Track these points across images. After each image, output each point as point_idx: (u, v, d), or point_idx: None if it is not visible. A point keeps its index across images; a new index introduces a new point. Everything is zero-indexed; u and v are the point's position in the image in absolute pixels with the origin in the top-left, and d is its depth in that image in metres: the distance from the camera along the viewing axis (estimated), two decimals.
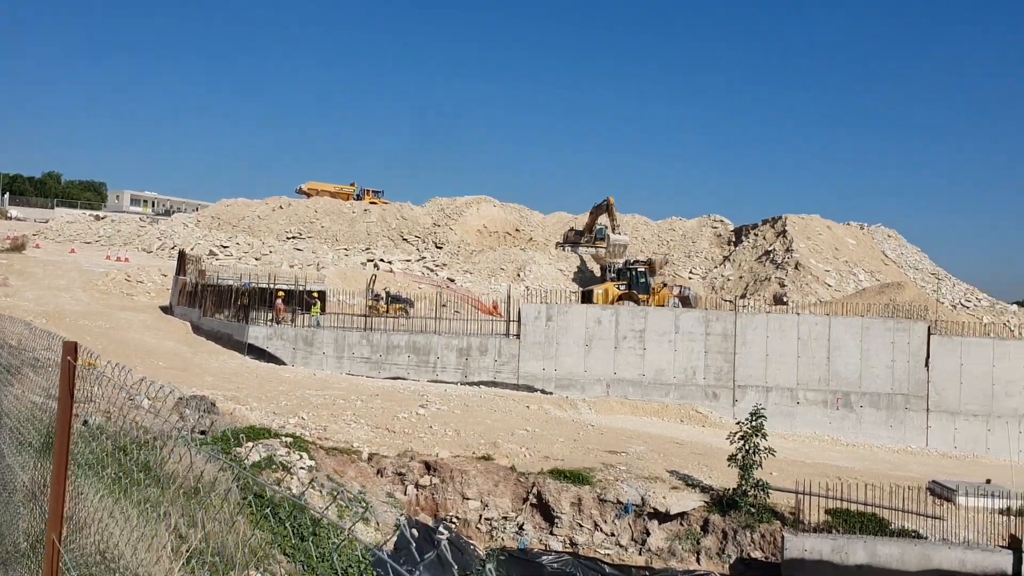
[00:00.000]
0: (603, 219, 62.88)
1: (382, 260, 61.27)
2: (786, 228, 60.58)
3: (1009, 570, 17.15)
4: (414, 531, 18.32)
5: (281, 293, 37.57)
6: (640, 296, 41.05)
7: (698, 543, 19.62)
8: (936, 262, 64.24)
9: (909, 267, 61.45)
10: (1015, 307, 56.32)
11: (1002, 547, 17.63)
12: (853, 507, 19.73)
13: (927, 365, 32.13)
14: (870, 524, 19.04)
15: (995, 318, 49.37)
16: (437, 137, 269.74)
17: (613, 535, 20.05)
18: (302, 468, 17.27)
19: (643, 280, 43.11)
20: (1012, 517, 20.07)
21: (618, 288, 42.49)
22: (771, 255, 58.79)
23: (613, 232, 60.93)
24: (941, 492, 22.17)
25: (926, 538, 18.40)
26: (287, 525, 10.45)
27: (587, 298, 41.05)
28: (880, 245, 64.13)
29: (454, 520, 20.67)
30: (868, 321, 33.03)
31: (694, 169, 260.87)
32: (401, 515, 18.88)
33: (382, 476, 20.97)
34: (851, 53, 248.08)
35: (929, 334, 32.39)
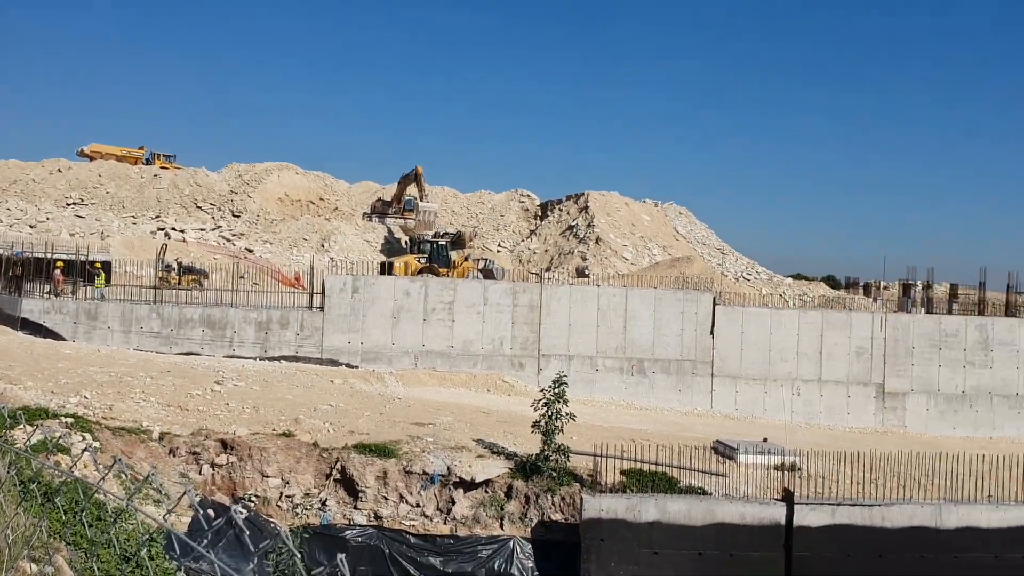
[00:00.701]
0: (412, 189, 62.55)
1: (174, 229, 57.88)
2: (588, 204, 62.93)
3: (782, 521, 18.84)
4: (210, 511, 17.56)
5: (60, 263, 34.65)
6: (441, 270, 41.23)
7: (502, 509, 20.14)
8: (721, 238, 69.05)
9: (698, 242, 65.70)
10: (790, 280, 61.72)
11: (776, 500, 19.32)
12: (646, 467, 20.94)
13: (712, 333, 34.55)
14: (661, 483, 20.29)
15: (772, 290, 53.86)
16: (234, 101, 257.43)
17: (419, 506, 20.19)
18: (85, 450, 16.07)
19: (444, 253, 43.37)
20: (785, 472, 22.04)
21: (419, 261, 42.47)
22: (574, 230, 60.92)
23: (422, 202, 60.86)
24: (724, 451, 23.98)
25: (711, 494, 19.83)
26: (67, 511, 9.70)
27: (386, 270, 40.65)
28: (672, 222, 68.09)
29: (253, 499, 20.03)
30: (661, 292, 35.04)
31: (502, 142, 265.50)
32: (196, 496, 18.04)
33: (175, 456, 19.95)
34: (635, 27, 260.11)
35: (715, 304, 34.81)
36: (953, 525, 19.17)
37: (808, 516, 18.74)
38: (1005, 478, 20.73)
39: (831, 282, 68.28)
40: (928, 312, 43.74)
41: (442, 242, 44.71)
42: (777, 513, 18.82)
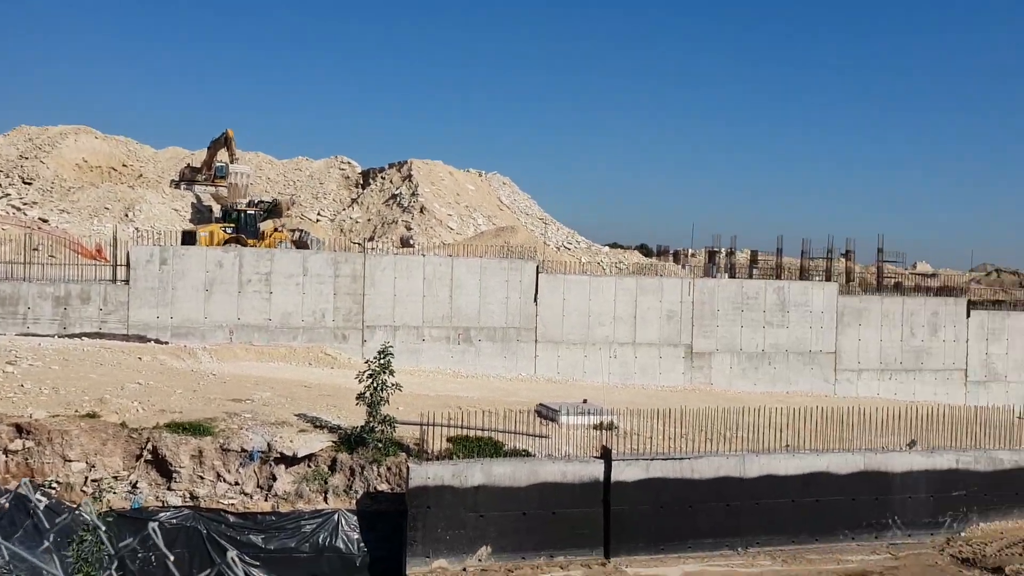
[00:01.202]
0: (223, 155, 59.65)
1: None
2: (412, 173, 62.45)
3: (601, 477, 19.61)
4: (3, 501, 16.18)
5: None
6: (249, 241, 39.60)
7: (326, 483, 19.80)
8: (543, 208, 70.58)
9: (521, 212, 66.84)
10: (607, 248, 64.10)
11: (595, 458, 20.07)
12: (472, 433, 21.21)
13: (536, 301, 35.36)
14: (487, 447, 20.61)
15: (591, 258, 55.74)
16: (23, 57, 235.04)
17: (238, 484, 19.47)
18: None
19: (253, 223, 41.74)
20: (604, 431, 22.98)
21: (225, 231, 40.58)
22: (398, 198, 60.32)
23: (233, 165, 58.27)
24: (547, 413, 24.67)
25: (534, 456, 20.34)
26: None
27: (189, 240, 38.39)
28: (496, 191, 68.85)
29: (54, 485, 18.64)
30: (486, 262, 35.43)
31: (320, 107, 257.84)
32: None
33: None
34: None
35: (538, 273, 35.60)
36: (755, 474, 20.64)
37: (625, 472, 19.61)
38: (800, 428, 22.56)
39: (644, 250, 71.65)
40: (731, 277, 46.79)
41: (250, 211, 42.95)
42: (596, 470, 19.58)
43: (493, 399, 26.81)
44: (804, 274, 50.24)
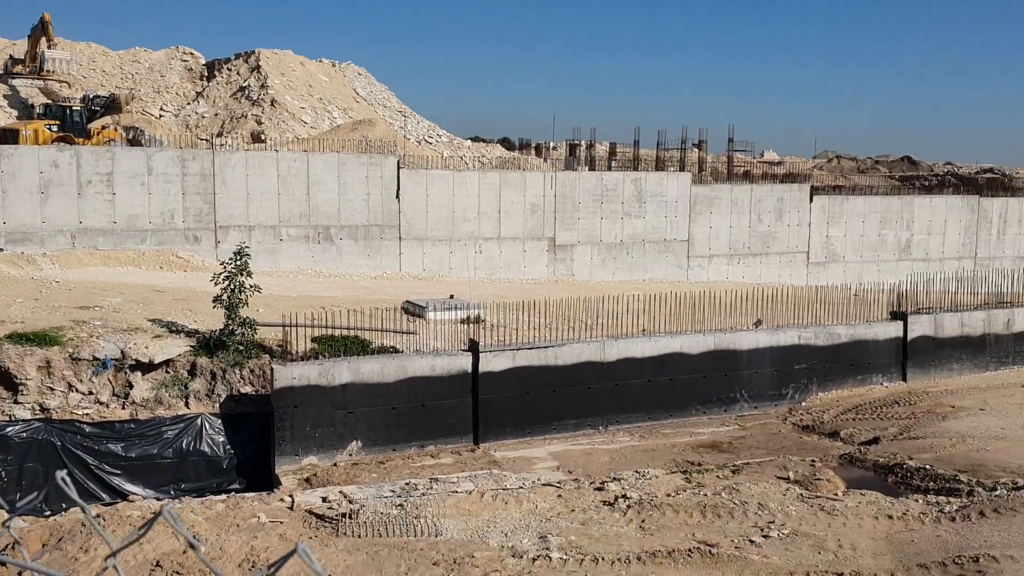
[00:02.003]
0: (45, 44, 54.80)
1: None
2: (260, 64, 59.38)
3: (469, 369, 20.06)
4: None
5: None
6: (77, 139, 36.92)
7: (186, 388, 19.36)
8: (402, 100, 68.97)
9: (379, 105, 65.10)
10: (469, 142, 63.59)
11: (463, 351, 20.46)
12: (338, 332, 21.12)
13: (398, 197, 34.94)
14: (353, 346, 20.62)
15: (453, 152, 55.23)
16: None
17: (92, 393, 18.77)
18: None
19: (80, 119, 38.92)
20: (470, 324, 23.37)
21: (50, 129, 37.61)
22: (247, 91, 57.43)
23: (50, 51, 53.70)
24: (414, 310, 24.80)
25: (402, 351, 20.53)
26: None
27: (10, 139, 35.19)
28: (352, 83, 66.58)
29: None
30: (344, 157, 34.53)
31: None
32: None
33: None
34: None
35: (399, 168, 35.06)
36: (615, 357, 21.61)
37: (492, 362, 20.12)
38: (656, 313, 23.62)
39: (507, 144, 71.55)
40: (591, 169, 47.63)
41: (76, 107, 39.93)
42: (464, 362, 19.99)
43: (358, 298, 26.65)
44: (660, 165, 51.73)
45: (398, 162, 35.29)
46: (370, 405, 19.02)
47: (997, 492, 14.89)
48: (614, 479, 16.31)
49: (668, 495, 15.00)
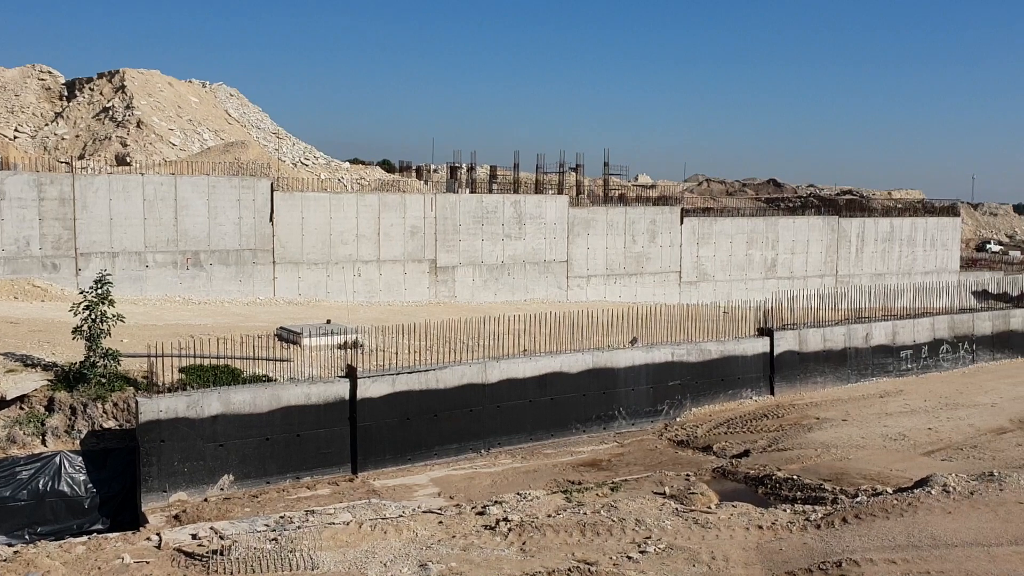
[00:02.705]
0: None
1: None
2: (125, 83, 57.07)
3: (347, 396, 19.65)
4: None
5: None
6: None
7: (43, 424, 18.21)
8: (278, 122, 67.62)
9: (252, 126, 63.59)
10: (348, 164, 62.88)
11: (341, 377, 20.04)
12: (207, 362, 20.34)
13: (272, 220, 34.14)
14: (224, 376, 19.90)
15: (331, 174, 54.46)
16: None
17: None
18: None
19: None
20: (348, 350, 22.96)
21: None
22: (111, 112, 55.05)
23: None
24: (289, 336, 24.19)
25: (276, 380, 19.94)
26: None
27: None
28: (223, 104, 64.84)
29: None
30: (215, 180, 33.51)
31: (9, 9, 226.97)
32: None
33: None
34: None
35: (272, 191, 34.30)
36: (496, 379, 21.65)
37: (371, 388, 19.79)
38: (537, 333, 23.86)
39: (387, 166, 71.17)
40: (472, 192, 47.89)
41: None
42: (341, 389, 19.58)
43: (230, 325, 25.81)
44: (539, 188, 52.55)
45: (272, 184, 34.51)
46: (242, 437, 18.37)
47: (858, 499, 15.65)
48: (496, 502, 16.28)
49: (549, 516, 15.08)
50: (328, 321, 26.59)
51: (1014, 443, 21.70)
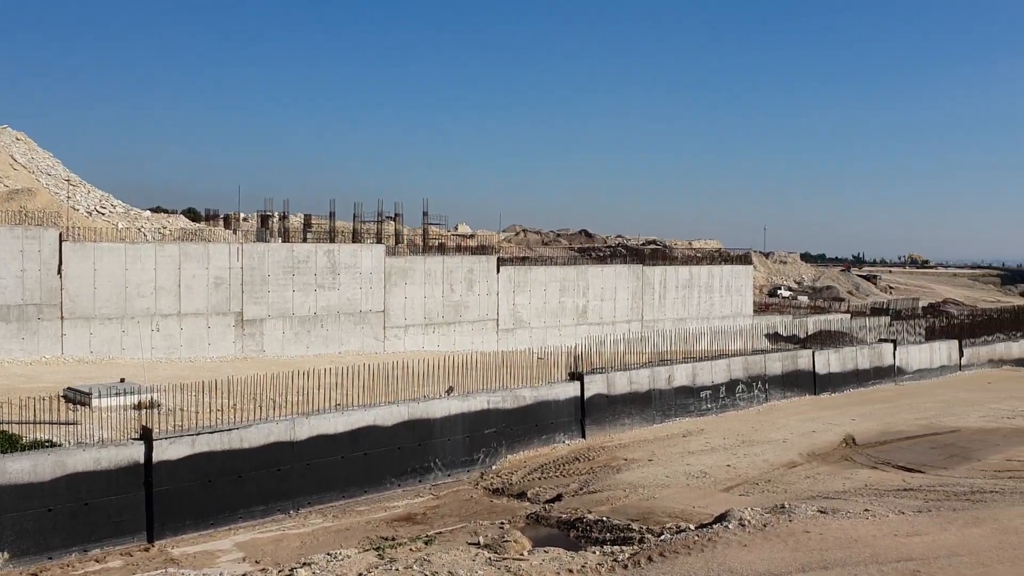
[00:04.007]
0: None
1: None
2: None
3: (142, 459, 18.38)
4: None
5: None
6: None
7: None
8: (71, 168, 63.47)
9: (42, 173, 59.33)
10: (148, 213, 59.74)
11: (135, 439, 18.74)
12: None
13: (60, 272, 31.79)
14: (1, 443, 18.15)
15: (130, 224, 51.56)
16: None
17: None
18: None
19: None
20: (145, 410, 21.58)
21: None
22: None
23: None
24: (77, 397, 22.45)
25: (61, 445, 18.40)
26: None
27: None
28: (8, 149, 60.19)
29: None
30: None
31: None
32: None
33: None
34: None
35: (61, 241, 31.99)
36: (305, 436, 20.93)
37: (168, 450, 18.63)
38: (350, 387, 23.37)
39: (192, 215, 68.18)
40: (285, 241, 46.73)
41: None
42: (136, 453, 18.31)
43: (9, 387, 23.67)
44: (357, 237, 51.99)
45: (60, 234, 32.20)
46: (20, 509, 16.72)
47: (662, 537, 16.24)
48: (304, 564, 15.62)
49: (360, 575, 14.63)
50: (122, 380, 24.96)
51: (803, 475, 23.33)
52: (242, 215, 65.37)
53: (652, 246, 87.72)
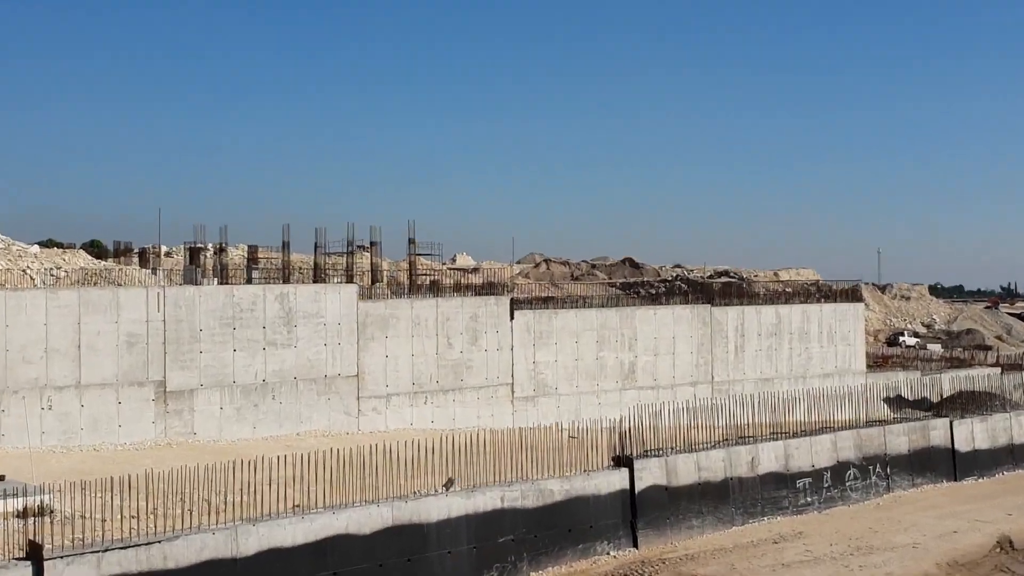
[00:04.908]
0: None
1: None
2: None
3: None
4: None
5: None
6: None
7: None
8: None
9: None
10: (38, 248, 60.33)
11: (18, 559, 18.75)
12: None
13: None
14: None
15: (12, 263, 52.06)
16: None
17: None
18: None
19: None
20: (32, 519, 21.55)
21: None
22: None
23: None
24: None
25: None
26: None
27: None
28: None
29: None
30: None
31: None
32: None
33: None
34: None
35: None
36: (253, 550, 20.86)
37: (65, 574, 18.60)
38: (313, 481, 23.29)
39: (96, 249, 68.89)
40: (222, 282, 46.97)
41: None
42: (21, 575, 18.31)
43: None
44: (320, 275, 52.07)
45: None
46: None
47: None
48: None
49: None
50: (1, 477, 25.05)
51: None
52: (164, 248, 66.01)
53: (723, 279, 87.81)
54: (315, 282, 46.91)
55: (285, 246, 55.49)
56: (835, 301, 58.92)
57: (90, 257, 61.01)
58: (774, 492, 30.31)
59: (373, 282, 54.42)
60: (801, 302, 57.31)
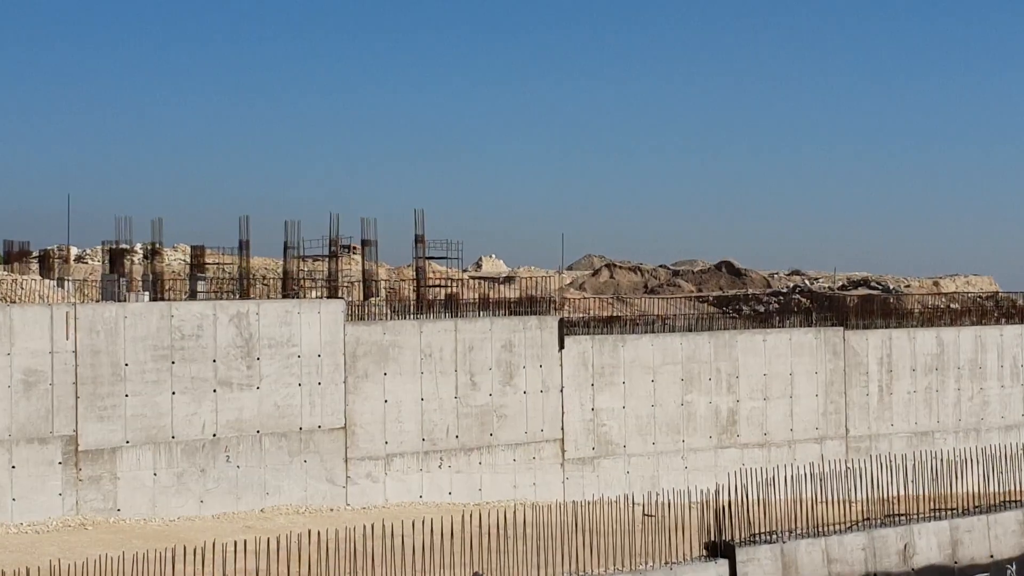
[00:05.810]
0: None
1: None
2: None
3: None
4: None
5: None
6: None
7: None
8: None
9: None
10: None
11: None
12: None
13: None
14: None
15: None
16: None
17: None
18: None
19: None
20: None
21: None
22: None
23: None
24: None
25: None
26: None
27: None
28: None
29: None
30: None
31: None
32: None
33: None
34: None
35: None
36: None
37: None
38: None
39: None
40: (157, 297, 46.91)
41: None
42: None
43: None
44: (292, 286, 51.95)
45: None
46: None
47: None
48: None
49: None
50: None
51: None
52: (74, 251, 66.25)
53: (861, 290, 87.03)
54: (285, 296, 46.96)
55: (243, 246, 55.34)
56: (1021, 323, 58.21)
57: None
58: None
59: (366, 296, 54.24)
60: (974, 323, 56.64)
